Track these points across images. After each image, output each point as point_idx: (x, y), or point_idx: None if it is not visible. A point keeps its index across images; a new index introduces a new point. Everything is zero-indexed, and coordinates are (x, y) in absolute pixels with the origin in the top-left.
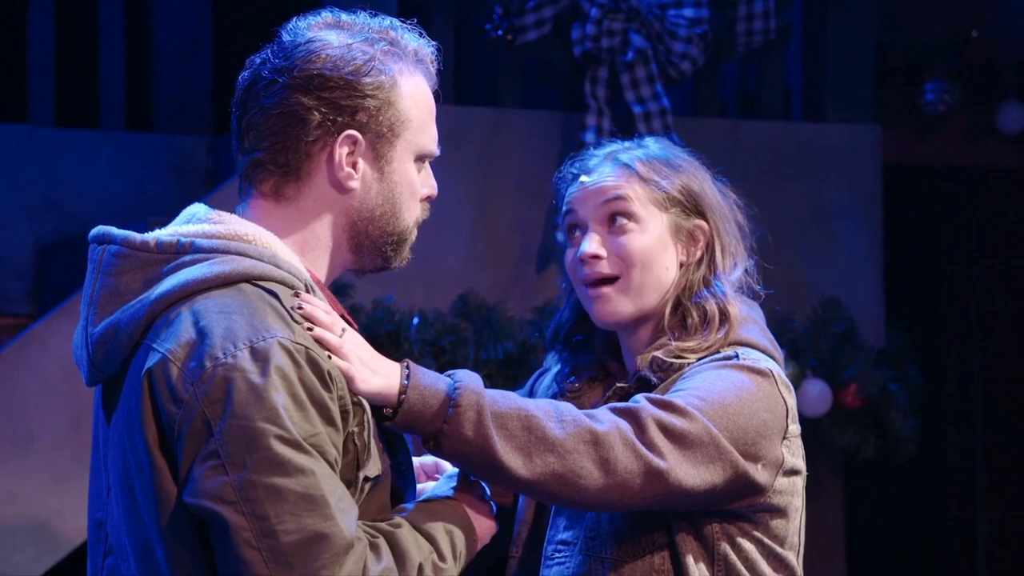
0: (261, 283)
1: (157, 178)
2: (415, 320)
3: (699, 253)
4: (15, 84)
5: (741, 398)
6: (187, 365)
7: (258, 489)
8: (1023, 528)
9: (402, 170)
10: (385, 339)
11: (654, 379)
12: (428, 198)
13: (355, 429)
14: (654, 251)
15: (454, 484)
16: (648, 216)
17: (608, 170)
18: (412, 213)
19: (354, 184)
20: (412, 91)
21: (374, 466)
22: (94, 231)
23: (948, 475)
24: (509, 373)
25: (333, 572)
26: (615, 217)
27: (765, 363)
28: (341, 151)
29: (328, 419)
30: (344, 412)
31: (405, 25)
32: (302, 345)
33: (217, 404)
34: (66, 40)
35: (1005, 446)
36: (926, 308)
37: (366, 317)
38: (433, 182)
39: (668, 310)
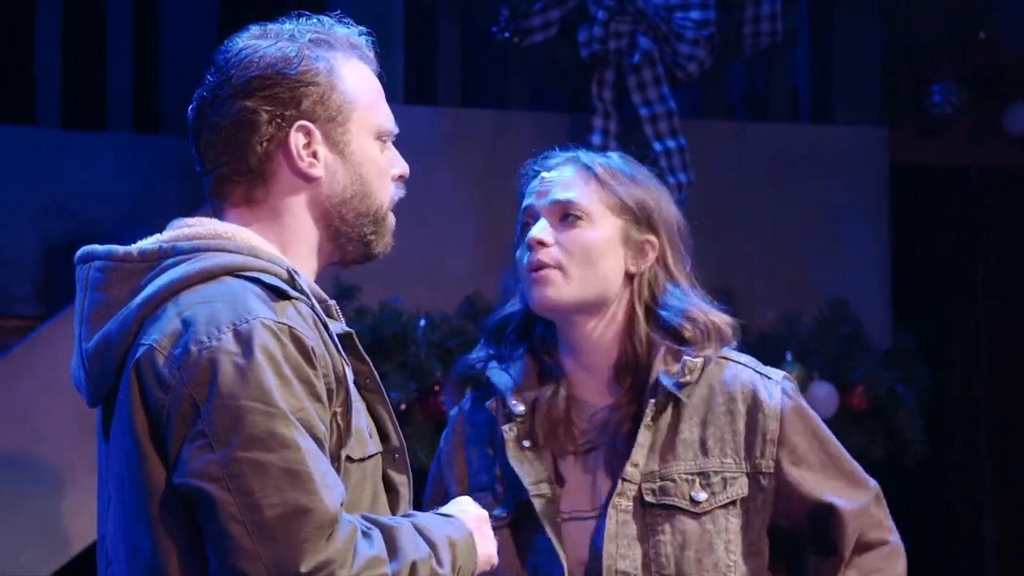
0: (242, 273)
1: (164, 180)
2: (422, 322)
3: (648, 266)
4: (22, 86)
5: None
6: (172, 352)
7: (243, 464)
8: None
9: (363, 149)
10: (392, 341)
11: (680, 394)
12: (400, 177)
13: (338, 409)
14: (600, 249)
15: (463, 508)
16: (599, 216)
17: (569, 170)
18: (384, 192)
19: (318, 172)
20: (352, 73)
21: (359, 448)
22: (79, 253)
23: (954, 476)
24: None
25: (316, 546)
26: (567, 214)
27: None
28: (297, 143)
29: (314, 395)
30: (329, 391)
31: (332, 19)
32: (285, 324)
33: (203, 386)
34: (73, 42)
35: (1011, 447)
36: (933, 309)
37: (373, 319)
38: (402, 161)
39: (640, 320)
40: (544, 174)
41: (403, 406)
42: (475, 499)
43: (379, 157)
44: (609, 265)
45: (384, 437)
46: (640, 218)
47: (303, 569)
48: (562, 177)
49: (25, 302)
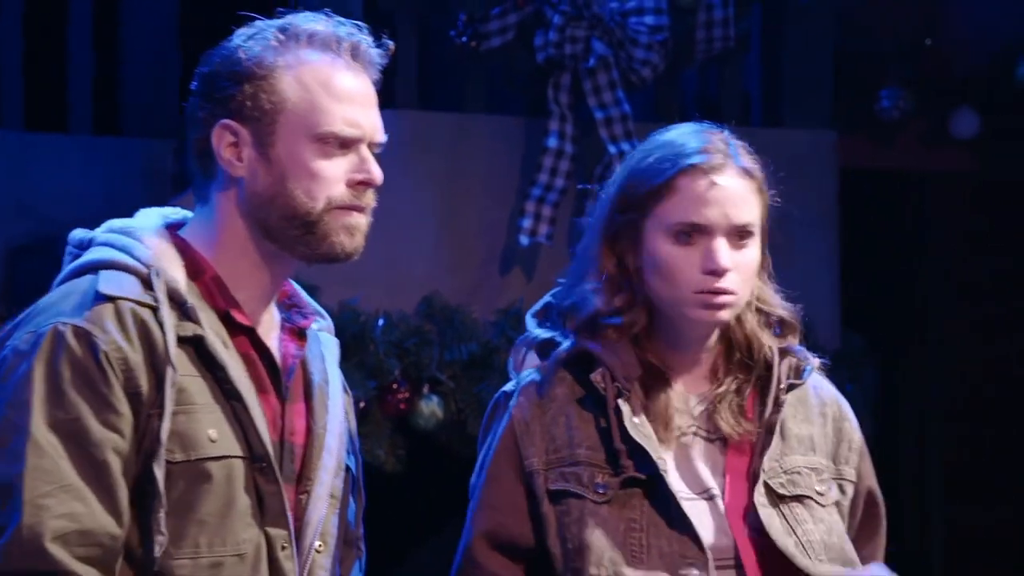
0: (103, 270)
1: (127, 181)
2: (380, 322)
3: None
4: None
5: None
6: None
7: None
8: (976, 526)
9: (291, 153)
10: (351, 340)
11: (791, 393)
12: (362, 183)
13: (152, 411)
14: (758, 264)
15: None
16: (760, 230)
17: (735, 177)
18: (316, 197)
19: (240, 172)
20: (299, 74)
21: (186, 450)
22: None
23: (901, 477)
24: (473, 374)
25: (6, 566)
26: (743, 233)
27: None
28: (220, 141)
29: (102, 402)
30: (135, 395)
31: (311, 15)
32: (84, 328)
33: None
34: (34, 44)
35: (960, 449)
36: (881, 311)
37: (332, 318)
38: (369, 166)
39: (747, 315)
40: (716, 179)
41: (362, 404)
42: (562, 473)
43: (314, 162)
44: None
45: (247, 442)
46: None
47: None
48: (735, 189)
49: None
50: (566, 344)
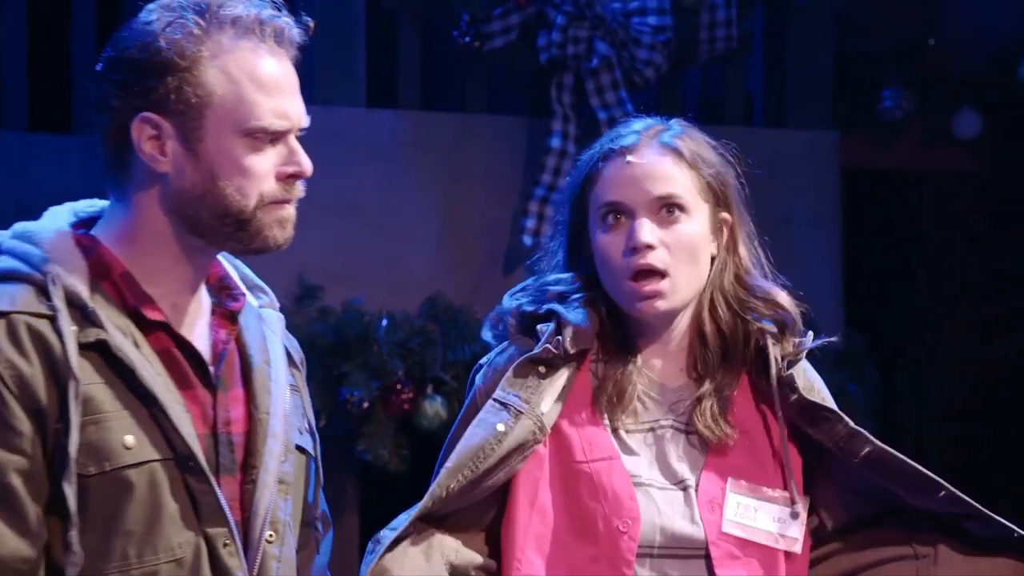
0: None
1: None
2: (384, 322)
3: (723, 245)
4: None
5: None
6: None
7: None
8: None
9: (219, 148)
10: (354, 340)
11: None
12: (293, 176)
13: (58, 426)
14: (700, 243)
15: None
16: (695, 206)
17: (655, 153)
18: (248, 194)
19: (164, 168)
20: (224, 64)
21: (99, 461)
22: None
23: None
24: None
25: None
26: (668, 208)
27: None
28: (141, 135)
29: None
30: (36, 410)
31: None
32: None
33: None
34: (39, 45)
35: (960, 448)
36: (883, 311)
37: (336, 319)
38: (299, 159)
39: (721, 304)
40: (631, 158)
41: (365, 404)
42: (491, 407)
43: (244, 158)
44: (705, 258)
45: (171, 446)
46: (719, 197)
47: None
48: (654, 165)
49: None
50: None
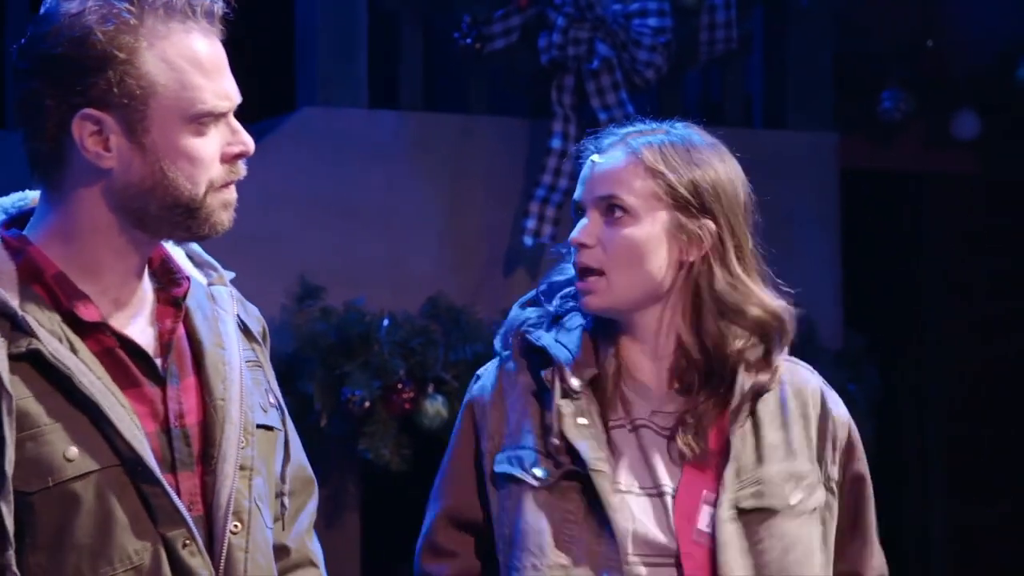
0: None
1: None
2: (385, 322)
3: (703, 254)
4: None
5: None
6: None
7: None
8: (977, 528)
9: (167, 139)
10: (356, 340)
11: (760, 399)
12: (238, 156)
13: None
14: (644, 248)
15: None
16: (645, 211)
17: (618, 155)
18: (198, 181)
19: (109, 164)
20: (162, 52)
21: (42, 477)
22: None
23: (904, 476)
24: None
25: None
26: (612, 207)
27: None
28: (82, 133)
29: None
30: None
31: None
32: None
33: None
34: None
35: (961, 448)
36: (883, 311)
37: (337, 319)
38: (242, 137)
39: (704, 312)
40: (595, 158)
41: (367, 404)
42: (508, 457)
43: (191, 145)
44: (656, 262)
45: (115, 452)
46: (693, 204)
47: None
48: (609, 166)
49: None
50: (537, 333)
